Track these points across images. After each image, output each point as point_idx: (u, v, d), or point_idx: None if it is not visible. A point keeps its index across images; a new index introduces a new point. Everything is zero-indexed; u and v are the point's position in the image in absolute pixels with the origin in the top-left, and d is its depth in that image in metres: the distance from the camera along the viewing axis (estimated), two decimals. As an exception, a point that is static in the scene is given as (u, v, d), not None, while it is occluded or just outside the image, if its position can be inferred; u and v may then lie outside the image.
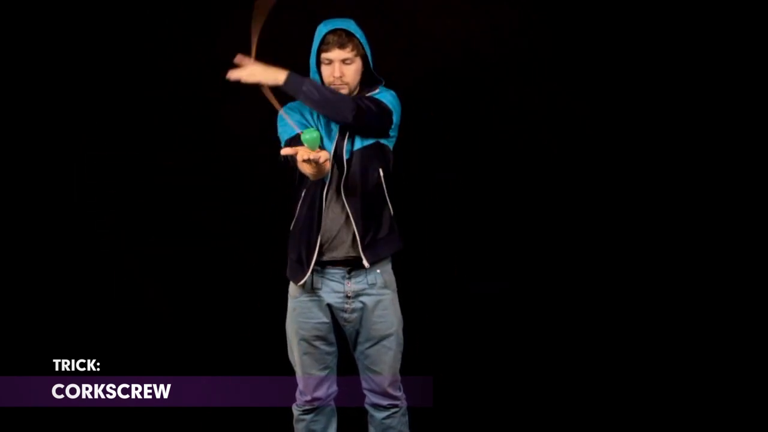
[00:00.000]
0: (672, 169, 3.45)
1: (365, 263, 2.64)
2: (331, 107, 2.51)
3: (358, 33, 2.60)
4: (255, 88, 3.38)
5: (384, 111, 2.60)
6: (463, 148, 3.51)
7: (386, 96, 2.66)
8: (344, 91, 2.61)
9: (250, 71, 2.43)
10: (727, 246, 3.44)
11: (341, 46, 2.56)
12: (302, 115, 2.65)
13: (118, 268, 3.62)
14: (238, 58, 2.43)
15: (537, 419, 3.47)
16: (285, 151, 2.33)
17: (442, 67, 3.46)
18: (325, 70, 2.61)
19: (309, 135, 2.31)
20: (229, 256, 3.59)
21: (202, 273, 3.61)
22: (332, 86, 2.60)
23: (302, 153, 2.30)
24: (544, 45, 3.45)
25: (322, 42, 2.58)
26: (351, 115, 2.50)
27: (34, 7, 3.45)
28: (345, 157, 2.61)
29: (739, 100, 3.38)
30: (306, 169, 2.41)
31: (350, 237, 2.64)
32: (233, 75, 2.42)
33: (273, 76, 2.45)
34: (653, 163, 3.45)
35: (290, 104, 2.68)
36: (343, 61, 2.58)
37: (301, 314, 2.73)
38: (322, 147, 2.46)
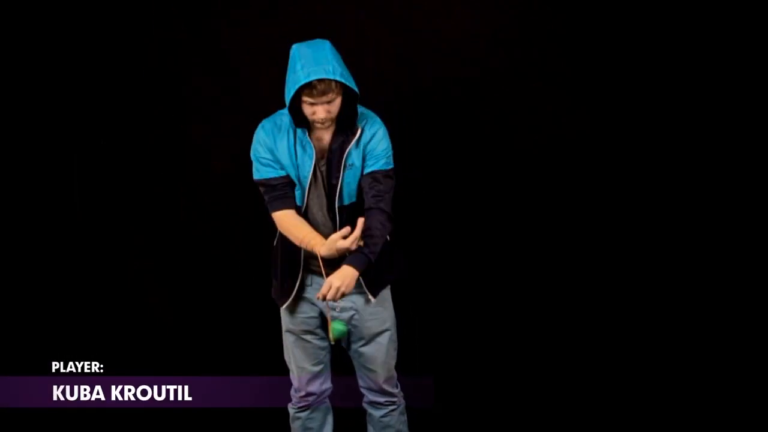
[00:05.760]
0: (668, 172, 3.44)
1: (371, 298, 2.69)
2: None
3: (341, 71, 2.48)
4: (257, 90, 3.41)
5: (392, 187, 2.68)
6: (461, 148, 3.50)
7: (387, 150, 2.64)
8: (327, 125, 2.56)
9: (343, 286, 2.52)
10: (725, 245, 3.43)
11: (324, 93, 2.47)
12: (273, 153, 2.63)
13: (120, 271, 3.61)
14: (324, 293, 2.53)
15: (538, 419, 3.47)
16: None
17: (439, 69, 3.45)
18: (307, 108, 2.52)
19: (339, 329, 2.58)
20: (228, 257, 3.58)
21: (201, 274, 3.61)
22: (315, 123, 2.55)
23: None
24: (541, 46, 3.43)
25: (306, 85, 2.46)
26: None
27: (32, 8, 3.45)
28: (337, 209, 2.62)
29: (738, 99, 3.37)
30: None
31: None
32: (322, 296, 2.53)
33: (351, 278, 2.55)
34: (650, 164, 3.44)
35: (263, 133, 2.66)
36: (327, 103, 2.51)
37: (290, 308, 2.74)
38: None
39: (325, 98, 2.49)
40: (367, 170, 2.62)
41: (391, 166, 2.65)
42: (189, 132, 3.54)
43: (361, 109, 2.62)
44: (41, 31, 3.46)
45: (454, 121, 3.47)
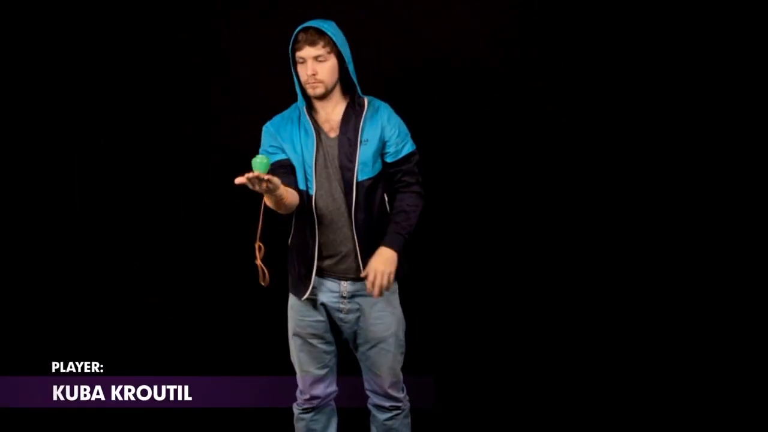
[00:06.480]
0: (668, 172, 3.44)
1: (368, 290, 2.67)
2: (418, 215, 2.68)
3: (333, 31, 2.56)
4: (257, 90, 3.41)
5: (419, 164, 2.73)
6: (462, 148, 3.50)
7: (407, 133, 2.70)
8: (320, 90, 2.59)
9: (389, 269, 2.55)
10: (725, 245, 3.43)
11: (312, 44, 2.54)
12: (277, 139, 2.67)
13: (120, 271, 3.61)
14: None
15: (538, 419, 3.47)
16: (238, 180, 2.36)
17: (439, 69, 3.45)
18: (300, 69, 2.59)
19: (259, 159, 2.37)
20: (228, 257, 3.58)
21: (201, 274, 3.61)
22: (307, 85, 2.59)
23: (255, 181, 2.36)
24: (541, 46, 3.43)
25: (294, 41, 2.58)
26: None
27: (33, 8, 3.45)
28: (354, 186, 2.61)
29: (738, 99, 3.37)
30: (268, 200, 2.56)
31: (354, 262, 2.66)
32: (377, 291, 2.55)
33: (393, 260, 2.58)
34: (649, 164, 3.44)
35: (269, 125, 2.70)
36: (316, 59, 2.56)
37: (298, 312, 2.74)
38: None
39: (312, 49, 2.54)
40: (397, 157, 2.67)
41: (414, 147, 2.71)
42: (189, 132, 3.54)
43: (368, 97, 2.69)
44: (41, 31, 3.46)
45: (454, 121, 3.47)
